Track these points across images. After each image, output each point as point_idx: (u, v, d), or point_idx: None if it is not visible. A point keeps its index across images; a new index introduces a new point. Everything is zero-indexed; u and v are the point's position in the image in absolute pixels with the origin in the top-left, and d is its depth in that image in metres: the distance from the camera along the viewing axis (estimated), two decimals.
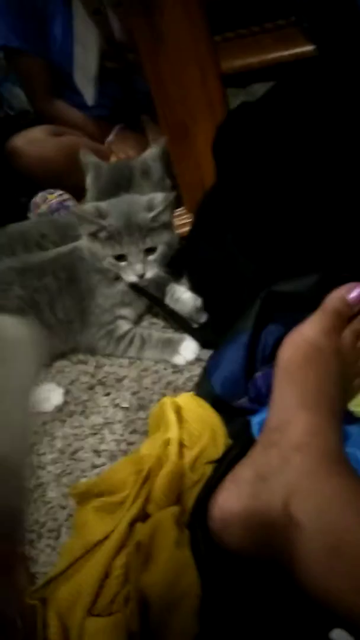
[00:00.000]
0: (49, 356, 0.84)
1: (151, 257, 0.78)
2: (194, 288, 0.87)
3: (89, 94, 1.43)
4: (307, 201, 0.69)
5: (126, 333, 0.82)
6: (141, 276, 0.78)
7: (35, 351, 0.27)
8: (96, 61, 1.38)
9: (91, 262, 0.81)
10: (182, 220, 0.90)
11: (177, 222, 0.91)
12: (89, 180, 0.97)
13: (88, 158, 0.96)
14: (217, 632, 0.44)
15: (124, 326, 0.83)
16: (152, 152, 0.91)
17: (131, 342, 0.81)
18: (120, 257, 0.78)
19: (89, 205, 0.80)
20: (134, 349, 0.81)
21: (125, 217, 0.76)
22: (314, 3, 0.81)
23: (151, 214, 0.76)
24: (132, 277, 0.78)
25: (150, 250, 0.78)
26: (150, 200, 0.79)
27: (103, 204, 0.80)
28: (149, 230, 0.77)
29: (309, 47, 0.85)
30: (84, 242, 0.82)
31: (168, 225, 0.79)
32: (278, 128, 0.72)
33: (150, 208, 0.77)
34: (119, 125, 1.44)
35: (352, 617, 0.38)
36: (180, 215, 0.92)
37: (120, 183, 0.92)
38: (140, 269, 0.77)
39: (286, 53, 0.91)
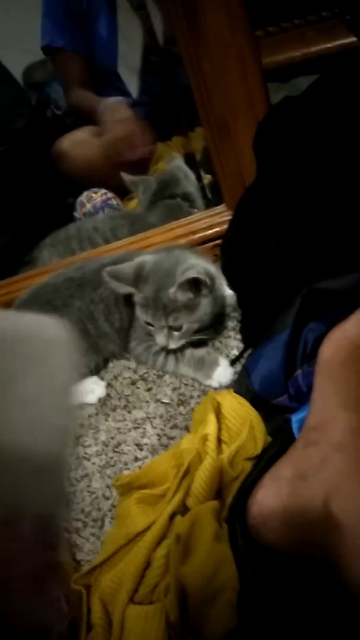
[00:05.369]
0: (103, 359, 0.85)
1: (176, 333, 0.75)
2: (230, 284, 0.87)
3: (133, 87, 1.45)
4: (350, 198, 0.67)
5: (162, 349, 0.80)
6: (165, 347, 0.76)
7: (72, 351, 0.27)
8: (141, 54, 1.40)
9: None
10: (223, 218, 0.91)
11: (217, 219, 0.92)
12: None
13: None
14: (254, 626, 0.45)
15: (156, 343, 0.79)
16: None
17: (166, 358, 0.80)
18: (149, 323, 0.76)
19: (130, 265, 0.75)
20: (170, 365, 0.80)
21: (155, 291, 0.73)
22: None
23: (171, 294, 0.72)
24: (157, 342, 0.76)
25: (173, 327, 0.75)
26: (181, 273, 0.72)
27: (148, 264, 0.75)
28: (173, 310, 0.73)
29: (353, 39, 0.83)
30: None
31: (194, 308, 0.74)
32: (321, 123, 0.71)
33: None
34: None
35: None
36: (220, 212, 0.92)
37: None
38: (163, 341, 0.75)
39: (330, 45, 0.89)
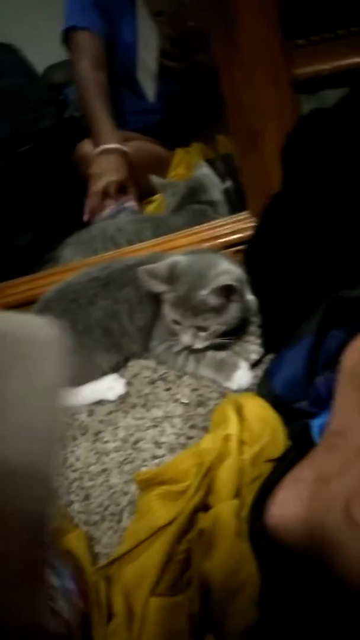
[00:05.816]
0: (124, 357, 0.86)
1: (202, 334, 0.77)
2: (252, 290, 0.88)
3: (150, 91, 1.46)
4: None
5: (183, 349, 0.81)
6: (189, 346, 0.78)
7: (61, 351, 0.27)
8: (156, 59, 1.42)
9: None
10: (246, 224, 0.92)
11: (241, 225, 0.93)
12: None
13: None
14: (274, 621, 0.46)
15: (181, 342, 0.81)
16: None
17: (187, 359, 0.81)
18: (176, 321, 0.78)
19: (163, 264, 0.76)
20: (190, 365, 0.81)
21: (186, 291, 0.74)
22: None
23: (203, 296, 0.73)
24: (182, 342, 0.78)
25: (202, 327, 0.77)
26: (215, 276, 0.75)
27: (181, 264, 0.76)
28: (202, 311, 0.75)
29: None
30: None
31: (223, 311, 0.76)
32: (351, 136, 0.72)
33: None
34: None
35: None
36: (244, 218, 0.93)
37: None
38: (189, 341, 0.77)
39: (359, 60, 0.91)
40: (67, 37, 1.41)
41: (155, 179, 1.15)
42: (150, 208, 1.38)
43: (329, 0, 0.94)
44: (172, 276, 0.75)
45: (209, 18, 0.78)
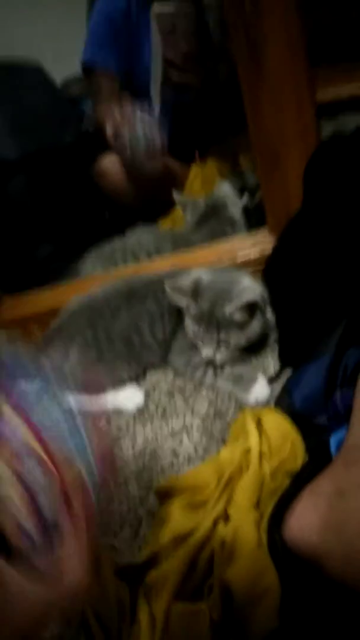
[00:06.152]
0: (143, 369, 0.88)
1: (223, 348, 0.79)
2: (271, 306, 0.90)
3: (156, 107, 1.51)
4: None
5: (202, 362, 0.83)
6: (210, 359, 0.80)
7: None
8: (161, 77, 1.46)
9: None
10: (265, 242, 0.94)
11: (260, 243, 0.95)
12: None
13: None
14: (295, 629, 0.47)
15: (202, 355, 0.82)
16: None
17: (205, 372, 0.83)
18: (198, 335, 0.79)
19: (189, 279, 0.79)
20: (209, 378, 0.83)
21: (210, 306, 0.76)
22: None
23: (228, 311, 0.75)
24: (203, 355, 0.80)
25: (223, 341, 0.78)
26: (239, 293, 0.77)
27: (204, 279, 0.79)
28: (225, 326, 0.76)
29: None
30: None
31: (245, 326, 0.78)
32: None
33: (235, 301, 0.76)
34: None
35: None
36: (263, 236, 0.95)
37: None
38: (210, 354, 0.79)
39: None
40: (87, 71, 1.47)
41: (176, 196, 1.18)
42: (166, 222, 1.40)
43: (352, 28, 0.98)
44: (196, 291, 0.77)
45: (235, 42, 0.81)
